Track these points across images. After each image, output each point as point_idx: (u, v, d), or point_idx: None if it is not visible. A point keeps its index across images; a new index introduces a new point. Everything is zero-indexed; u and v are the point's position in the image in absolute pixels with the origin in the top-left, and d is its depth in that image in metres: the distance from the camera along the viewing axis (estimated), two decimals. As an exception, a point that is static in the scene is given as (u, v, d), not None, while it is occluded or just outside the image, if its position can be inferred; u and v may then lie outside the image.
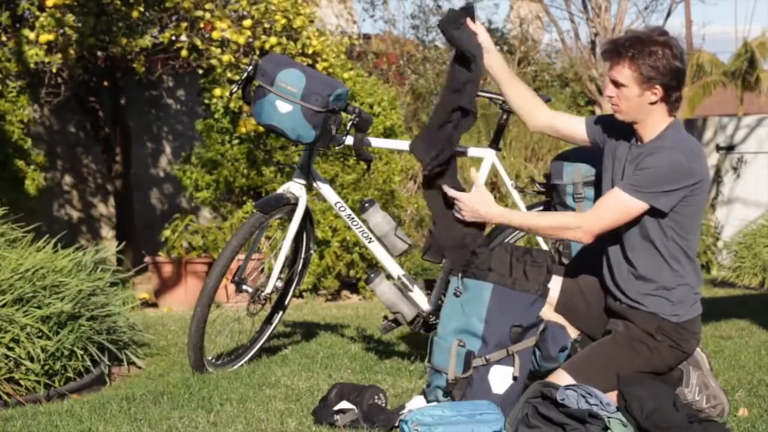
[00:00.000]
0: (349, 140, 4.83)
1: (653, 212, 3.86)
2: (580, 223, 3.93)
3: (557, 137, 4.39)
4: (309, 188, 4.97)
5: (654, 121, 3.91)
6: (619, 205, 3.86)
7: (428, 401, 3.95)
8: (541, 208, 4.93)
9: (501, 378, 3.84)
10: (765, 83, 14.90)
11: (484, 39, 4.28)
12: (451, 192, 4.20)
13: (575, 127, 4.22)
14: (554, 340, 3.95)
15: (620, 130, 4.01)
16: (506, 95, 4.37)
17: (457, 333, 3.89)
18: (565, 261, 4.43)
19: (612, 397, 3.74)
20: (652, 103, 3.88)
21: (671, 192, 3.83)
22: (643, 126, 3.92)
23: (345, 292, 8.81)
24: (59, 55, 7.75)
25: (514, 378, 3.84)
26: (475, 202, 4.14)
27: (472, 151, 5.14)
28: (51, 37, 7.58)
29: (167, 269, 8.45)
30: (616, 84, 3.90)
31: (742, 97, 15.16)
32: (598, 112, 13.01)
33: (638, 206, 3.85)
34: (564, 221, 4.01)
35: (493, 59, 4.31)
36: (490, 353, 3.83)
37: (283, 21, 8.12)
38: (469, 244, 4.19)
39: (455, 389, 3.83)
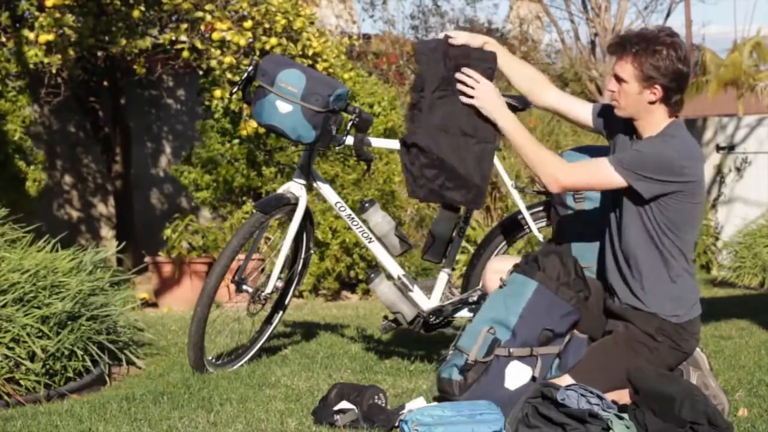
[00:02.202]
0: (350, 140, 4.83)
1: (635, 196, 3.87)
2: (556, 171, 3.97)
3: (562, 118, 4.42)
4: (309, 188, 4.96)
5: (654, 120, 3.92)
6: (599, 171, 3.91)
7: (441, 378, 3.94)
8: (541, 208, 4.94)
9: (517, 375, 3.84)
10: (761, 83, 14.90)
11: (472, 39, 4.33)
12: (468, 72, 4.21)
13: (579, 112, 4.25)
14: (575, 353, 3.94)
15: (622, 122, 4.03)
16: (510, 79, 4.40)
17: (490, 321, 3.91)
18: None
19: (612, 397, 3.74)
20: (651, 103, 3.89)
21: (653, 180, 3.84)
22: (642, 123, 3.94)
23: (345, 292, 8.81)
24: (59, 56, 7.75)
25: (533, 379, 3.85)
26: (491, 90, 4.19)
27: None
28: (50, 37, 7.58)
29: (167, 269, 8.45)
30: (618, 79, 3.91)
31: (739, 95, 15.16)
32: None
33: (615, 180, 3.87)
34: (546, 161, 4.00)
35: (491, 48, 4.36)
36: (515, 348, 3.84)
37: (284, 22, 8.12)
38: (477, 183, 4.31)
39: (472, 371, 3.84)
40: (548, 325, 3.88)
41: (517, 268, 3.99)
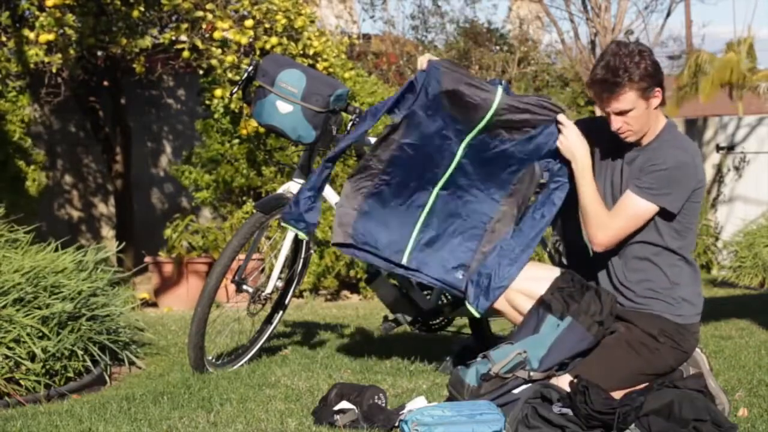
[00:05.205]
0: (350, 140, 4.82)
1: (662, 215, 3.89)
2: (597, 230, 3.92)
3: None
4: (309, 188, 4.96)
5: (658, 122, 3.96)
6: (631, 209, 3.88)
7: (457, 376, 3.94)
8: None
9: (526, 390, 3.86)
10: (764, 83, 14.92)
11: None
12: (561, 118, 4.09)
13: None
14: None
15: (607, 134, 4.01)
16: None
17: (525, 345, 3.93)
18: (565, 261, 4.42)
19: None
20: (656, 108, 3.92)
21: (680, 192, 3.86)
22: (647, 133, 3.95)
23: (345, 292, 8.81)
24: (59, 55, 7.75)
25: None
26: (578, 139, 4.04)
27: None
28: (51, 37, 7.59)
29: (167, 269, 8.45)
30: (622, 113, 3.90)
31: (739, 96, 15.18)
32: (598, 112, 13.02)
33: (649, 209, 3.87)
34: (594, 215, 3.94)
35: None
36: (536, 372, 3.87)
37: (284, 21, 8.13)
38: None
39: (489, 383, 3.86)
40: (572, 355, 3.92)
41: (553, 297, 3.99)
